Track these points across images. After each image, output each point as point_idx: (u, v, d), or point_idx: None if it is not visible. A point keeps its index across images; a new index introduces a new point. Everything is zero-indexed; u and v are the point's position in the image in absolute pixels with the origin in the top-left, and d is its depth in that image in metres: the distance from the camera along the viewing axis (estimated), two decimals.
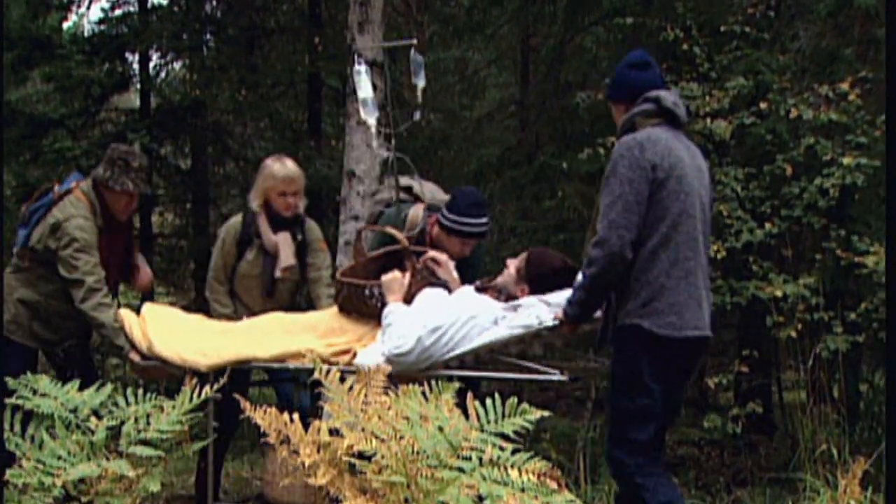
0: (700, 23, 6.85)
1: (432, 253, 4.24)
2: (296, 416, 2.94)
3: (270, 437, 2.84)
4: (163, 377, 4.64)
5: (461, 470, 2.35)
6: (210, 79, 10.42)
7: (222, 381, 3.68)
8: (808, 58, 6.90)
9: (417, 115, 4.91)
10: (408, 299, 4.02)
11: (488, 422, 2.51)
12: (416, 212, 4.62)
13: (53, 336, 4.57)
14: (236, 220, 4.87)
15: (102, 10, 11.03)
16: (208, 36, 11.09)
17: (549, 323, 3.63)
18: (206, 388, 3.50)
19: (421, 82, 4.84)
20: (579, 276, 3.60)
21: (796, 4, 7.35)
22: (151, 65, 11.19)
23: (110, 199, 4.53)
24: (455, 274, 4.21)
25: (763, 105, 6.28)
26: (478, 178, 9.28)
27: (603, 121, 7.82)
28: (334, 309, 4.30)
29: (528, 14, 8.46)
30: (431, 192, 4.81)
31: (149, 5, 10.93)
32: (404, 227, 4.55)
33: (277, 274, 4.72)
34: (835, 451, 4.92)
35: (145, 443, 3.08)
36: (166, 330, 4.23)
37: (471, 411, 2.57)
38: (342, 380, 3.08)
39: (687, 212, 3.43)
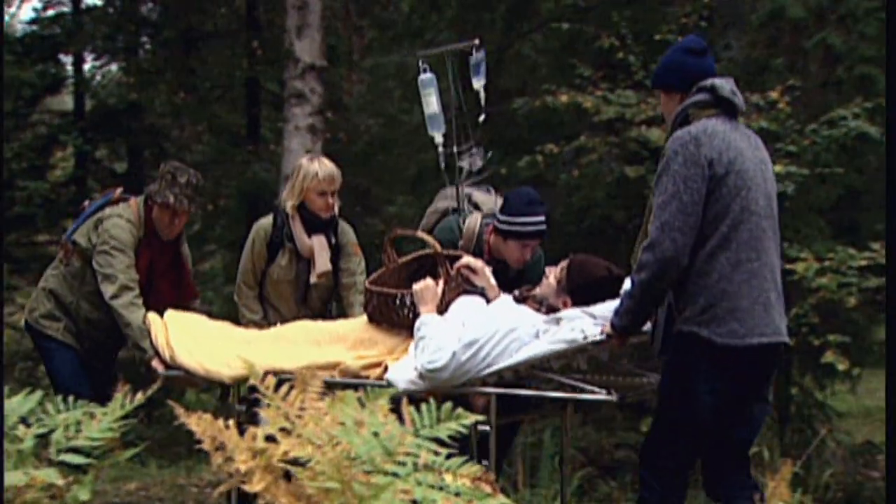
0: (635, 31, 6.97)
1: (467, 259, 3.95)
2: (231, 421, 2.91)
3: (205, 443, 2.81)
4: (186, 386, 4.46)
5: (396, 475, 2.35)
6: (146, 81, 10.29)
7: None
8: (739, 67, 7.04)
9: (483, 118, 4.65)
10: (442, 309, 3.77)
11: (423, 427, 2.51)
12: (474, 220, 4.37)
13: (76, 344, 4.46)
14: (266, 221, 4.64)
15: (34, 10, 10.84)
16: (144, 38, 10.94)
17: (596, 337, 3.35)
18: (139, 394, 3.43)
19: (479, 82, 4.56)
20: (627, 283, 3.41)
21: (729, 15, 7.50)
22: (86, 66, 11.01)
23: (155, 215, 4.42)
24: (493, 280, 3.92)
25: None
26: (417, 183, 9.30)
27: (542, 127, 7.91)
28: (364, 318, 4.07)
29: (468, 20, 8.49)
30: (492, 201, 4.52)
31: (83, 6, 10.76)
32: (461, 237, 4.33)
33: (313, 280, 4.54)
34: (766, 453, 5.02)
35: (75, 451, 3.02)
36: (189, 338, 4.10)
37: (406, 416, 2.57)
38: (278, 385, 3.05)
39: (748, 209, 3.17)
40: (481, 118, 4.61)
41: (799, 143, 6.23)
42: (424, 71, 4.52)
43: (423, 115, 4.59)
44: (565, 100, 6.72)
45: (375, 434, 2.52)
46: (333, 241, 4.60)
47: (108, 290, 4.25)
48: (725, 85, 3.28)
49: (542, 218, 4.13)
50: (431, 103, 4.47)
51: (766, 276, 3.18)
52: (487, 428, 3.50)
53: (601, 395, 3.44)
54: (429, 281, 3.79)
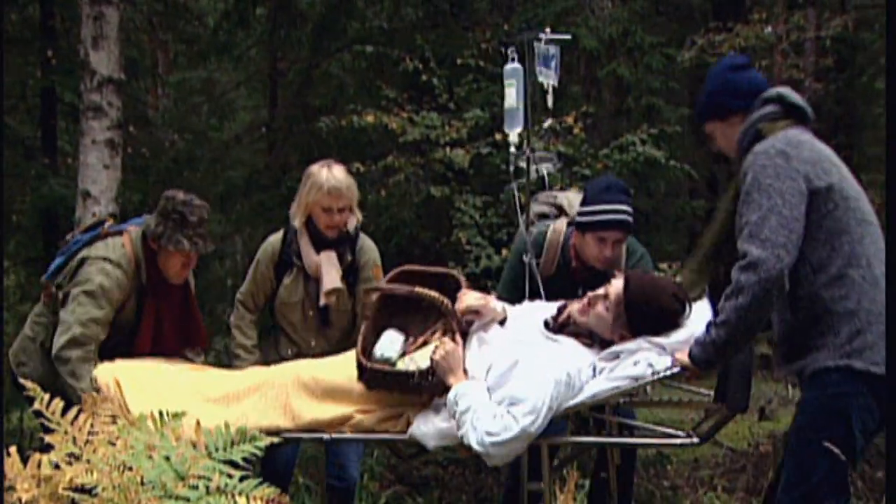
0: (439, 55, 7.14)
1: (464, 302, 3.37)
2: (13, 448, 2.75)
3: None
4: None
5: (187, 499, 2.31)
6: None
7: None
8: (538, 93, 7.35)
9: (549, 122, 4.22)
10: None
11: (217, 449, 2.48)
12: (558, 228, 3.93)
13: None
14: (275, 237, 4.10)
15: None
16: None
17: (666, 372, 3.01)
18: None
19: (550, 80, 4.01)
20: (696, 310, 3.11)
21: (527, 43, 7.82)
22: None
23: (162, 259, 3.82)
24: (499, 307, 3.47)
25: (498, 136, 6.63)
26: (224, 200, 9.13)
27: (350, 147, 7.97)
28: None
29: (276, 37, 8.46)
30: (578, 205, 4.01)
31: None
32: (543, 248, 3.90)
33: (322, 301, 3.95)
34: (565, 468, 5.21)
35: None
36: (151, 397, 3.38)
37: (199, 440, 2.53)
38: (65, 410, 2.92)
39: (866, 220, 2.89)
40: (548, 122, 4.17)
41: (593, 166, 6.54)
42: (511, 60, 4.07)
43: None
44: (371, 120, 6.79)
45: (167, 458, 2.47)
46: (350, 258, 4.04)
47: (57, 339, 3.65)
48: (790, 93, 3.04)
49: (621, 206, 3.67)
50: (511, 96, 4.02)
51: None
52: (542, 485, 3.22)
53: (679, 439, 3.13)
54: (448, 345, 3.25)
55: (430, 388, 3.26)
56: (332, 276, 3.92)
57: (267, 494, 2.36)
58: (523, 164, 4.13)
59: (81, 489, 2.50)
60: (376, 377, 3.33)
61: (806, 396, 2.91)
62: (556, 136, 6.62)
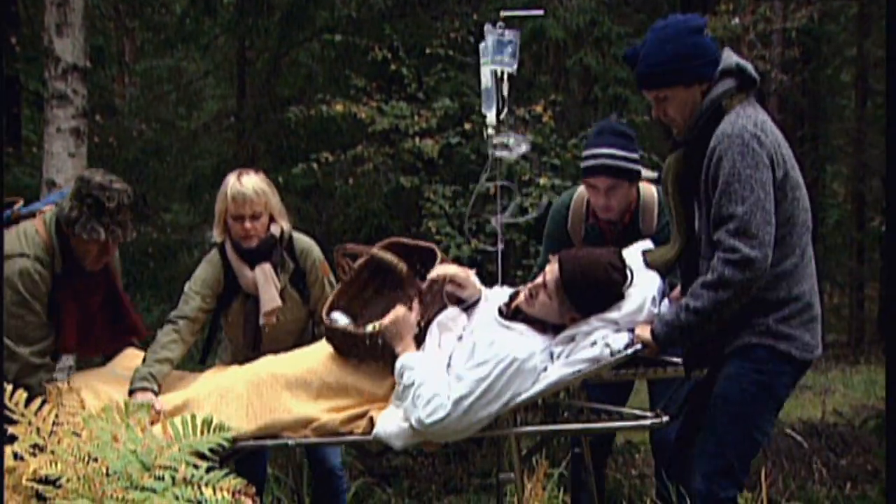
0: (408, 45, 7.12)
1: (446, 270, 3.34)
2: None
3: None
4: None
5: (153, 490, 2.31)
6: None
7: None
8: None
9: (504, 112, 3.96)
10: (420, 338, 3.31)
11: (182, 440, 2.47)
12: (582, 191, 3.83)
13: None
14: (214, 260, 3.83)
15: None
16: None
17: (625, 351, 3.01)
18: None
19: (505, 67, 3.81)
20: (638, 275, 3.11)
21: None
22: None
23: (77, 246, 3.47)
24: (479, 284, 3.41)
25: (468, 126, 6.63)
26: (192, 190, 9.07)
27: (319, 136, 7.93)
28: (321, 357, 3.46)
29: (243, 26, 8.38)
30: None
31: None
32: (569, 214, 3.84)
33: (262, 321, 3.75)
34: (534, 457, 5.24)
35: None
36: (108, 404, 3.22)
37: (165, 430, 2.52)
38: (29, 401, 2.90)
39: (805, 207, 2.94)
40: (504, 113, 3.97)
41: (562, 156, 6.56)
42: (501, 33, 3.87)
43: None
44: (340, 109, 6.77)
45: (133, 449, 2.46)
46: (293, 266, 3.84)
47: (10, 368, 3.27)
48: (748, 65, 2.97)
49: (605, 150, 3.56)
50: (486, 75, 3.84)
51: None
52: (511, 475, 3.27)
53: (647, 420, 3.15)
54: (399, 311, 3.27)
55: (377, 352, 3.28)
56: (271, 294, 3.73)
57: (234, 486, 2.35)
58: (500, 143, 3.99)
59: (46, 480, 2.48)
60: (332, 334, 3.38)
61: (731, 370, 2.94)
62: (525, 125, 6.63)
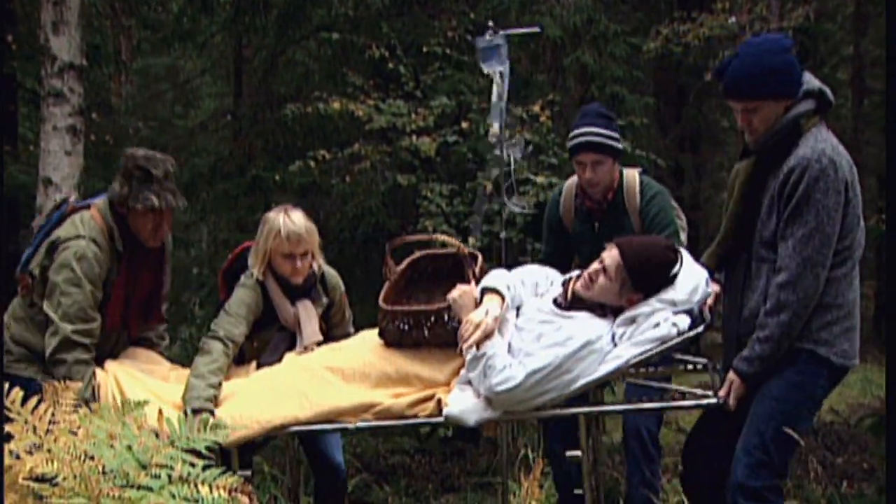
0: (405, 43, 7.13)
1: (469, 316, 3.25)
2: None
3: None
4: None
5: (149, 488, 2.30)
6: None
7: None
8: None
9: (499, 111, 4.15)
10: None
11: (179, 438, 2.47)
12: (573, 179, 4.12)
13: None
14: (254, 288, 3.76)
15: None
16: None
17: (692, 331, 3.17)
18: None
19: (497, 69, 4.01)
20: (688, 264, 3.26)
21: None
22: None
23: (133, 221, 3.56)
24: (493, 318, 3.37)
25: (465, 124, 6.63)
26: (189, 188, 9.05)
27: (316, 134, 7.93)
28: (371, 349, 3.48)
29: (240, 24, 8.38)
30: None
31: None
32: (561, 201, 4.11)
33: (297, 351, 3.74)
34: (531, 455, 5.25)
35: None
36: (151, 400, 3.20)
37: (161, 428, 2.52)
38: (25, 399, 2.89)
39: (860, 216, 3.11)
40: (497, 112, 4.21)
41: (560, 156, 6.57)
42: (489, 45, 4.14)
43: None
44: (337, 107, 6.77)
45: (129, 447, 2.45)
46: (325, 299, 3.90)
47: (49, 341, 3.44)
48: (827, 89, 3.14)
49: (590, 129, 3.83)
50: (495, 91, 4.13)
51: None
52: (579, 453, 3.27)
53: (706, 400, 3.19)
54: (464, 286, 3.34)
55: (443, 329, 3.32)
56: (312, 329, 3.77)
57: (230, 483, 2.35)
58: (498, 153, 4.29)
59: (42, 479, 2.47)
60: (396, 317, 3.38)
61: (773, 369, 3.07)
62: (523, 125, 6.64)
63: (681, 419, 7.28)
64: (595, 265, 3.30)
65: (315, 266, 3.84)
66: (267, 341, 3.82)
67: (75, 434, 2.64)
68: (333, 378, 3.40)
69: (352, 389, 3.35)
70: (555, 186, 6.33)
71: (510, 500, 3.97)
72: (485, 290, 3.31)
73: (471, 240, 6.33)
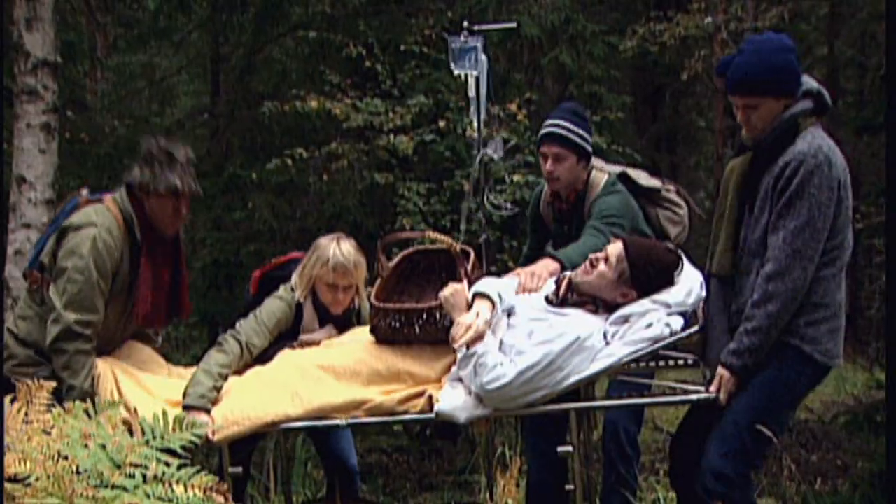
0: (383, 41, 7.12)
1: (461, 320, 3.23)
2: None
3: None
4: None
5: (124, 488, 2.28)
6: None
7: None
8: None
9: (472, 112, 4.22)
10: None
11: (154, 437, 2.45)
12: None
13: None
14: (289, 303, 3.72)
15: None
16: None
17: (684, 332, 3.20)
18: None
19: (470, 71, 4.04)
20: (688, 269, 3.28)
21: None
22: None
23: (154, 208, 3.49)
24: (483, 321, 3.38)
25: (442, 123, 6.63)
26: None
27: (293, 132, 7.90)
28: (364, 348, 3.47)
29: (218, 22, 8.34)
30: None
31: None
32: (542, 193, 4.09)
33: (295, 344, 3.73)
34: (508, 454, 5.26)
35: None
36: (146, 399, 3.35)
37: (136, 427, 2.50)
38: (12, 400, 2.86)
39: (850, 218, 3.17)
40: (472, 113, 4.26)
41: (537, 154, 6.56)
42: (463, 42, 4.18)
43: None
44: (315, 105, 6.75)
45: (103, 446, 2.44)
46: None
47: (50, 330, 3.37)
48: (824, 90, 3.20)
49: (556, 122, 3.83)
50: (471, 86, 4.20)
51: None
52: (570, 448, 3.29)
53: (696, 394, 3.21)
54: (456, 285, 3.34)
55: (434, 328, 3.33)
56: (317, 341, 3.73)
57: (205, 483, 2.34)
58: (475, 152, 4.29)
59: (15, 479, 2.45)
60: (387, 314, 3.37)
61: (760, 366, 3.11)
62: (500, 123, 6.65)
63: (657, 417, 7.33)
64: (599, 254, 3.34)
65: (357, 301, 3.80)
66: (280, 349, 3.77)
67: (49, 433, 2.62)
68: (325, 375, 3.39)
69: (343, 387, 3.35)
70: (532, 185, 6.37)
71: (487, 500, 3.98)
72: (476, 295, 3.31)
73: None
